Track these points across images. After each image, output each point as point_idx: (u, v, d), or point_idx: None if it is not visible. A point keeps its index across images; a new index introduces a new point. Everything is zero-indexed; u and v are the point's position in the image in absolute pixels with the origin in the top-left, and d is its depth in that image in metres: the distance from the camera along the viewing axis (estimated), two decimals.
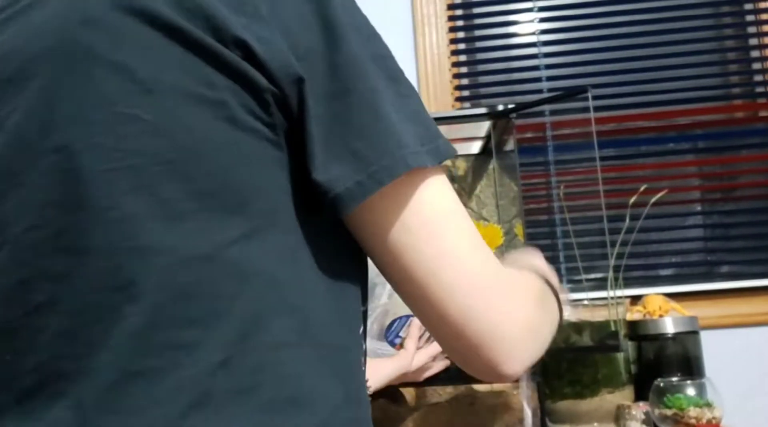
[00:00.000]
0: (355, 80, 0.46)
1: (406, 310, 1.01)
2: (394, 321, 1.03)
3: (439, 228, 0.48)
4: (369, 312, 1.00)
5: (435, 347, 1.01)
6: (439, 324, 0.49)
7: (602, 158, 1.53)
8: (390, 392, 1.10)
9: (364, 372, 0.52)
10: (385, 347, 1.02)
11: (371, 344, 1.04)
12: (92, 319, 0.43)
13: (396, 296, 0.95)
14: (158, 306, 0.42)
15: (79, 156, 0.44)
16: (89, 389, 0.42)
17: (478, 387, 1.10)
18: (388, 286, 1.03)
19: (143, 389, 0.41)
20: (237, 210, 0.44)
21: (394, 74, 0.49)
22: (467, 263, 0.48)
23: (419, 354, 0.99)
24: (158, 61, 0.44)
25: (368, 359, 0.95)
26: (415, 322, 1.01)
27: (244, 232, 0.44)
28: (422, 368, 1.01)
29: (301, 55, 0.45)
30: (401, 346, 1.02)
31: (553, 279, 0.68)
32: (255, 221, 0.45)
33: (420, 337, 1.01)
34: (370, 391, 0.92)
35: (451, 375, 1.08)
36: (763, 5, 1.59)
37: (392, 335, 1.02)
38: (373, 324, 1.04)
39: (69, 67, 0.45)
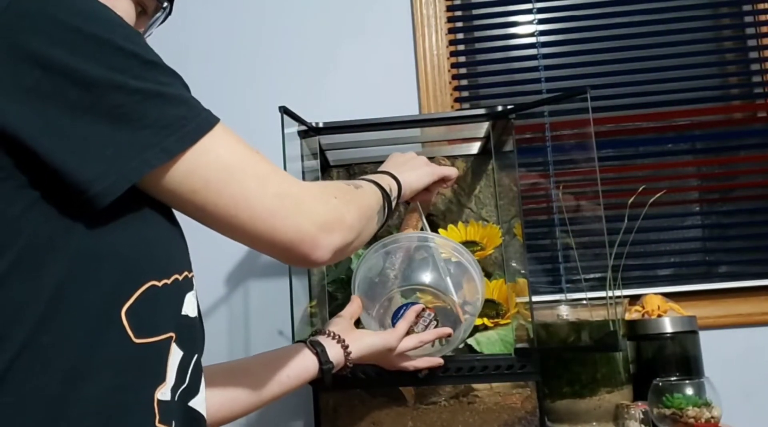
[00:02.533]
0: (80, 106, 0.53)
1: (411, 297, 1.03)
2: (400, 308, 1.03)
3: (222, 181, 0.59)
4: (377, 302, 1.02)
5: (428, 335, 1.02)
6: (257, 243, 0.64)
7: (601, 159, 1.54)
8: (390, 392, 1.11)
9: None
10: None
11: (375, 326, 1.05)
12: None
13: (384, 276, 0.96)
14: None
15: None
16: None
17: (478, 387, 1.10)
18: (392, 272, 1.04)
19: None
20: None
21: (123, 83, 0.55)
22: (257, 199, 0.61)
23: (409, 338, 1.00)
24: None
25: (353, 329, 0.98)
26: (413, 308, 1.02)
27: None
28: (405, 357, 1.01)
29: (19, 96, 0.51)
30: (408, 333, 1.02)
31: (392, 172, 0.98)
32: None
33: (417, 322, 1.02)
34: (351, 357, 0.93)
35: (451, 375, 1.08)
36: (761, 6, 1.59)
37: (398, 320, 1.02)
38: (380, 309, 1.05)
39: None
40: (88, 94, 0.53)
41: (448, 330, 1.03)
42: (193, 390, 0.63)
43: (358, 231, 0.74)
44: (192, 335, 0.63)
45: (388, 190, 0.91)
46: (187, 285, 0.63)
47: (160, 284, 0.59)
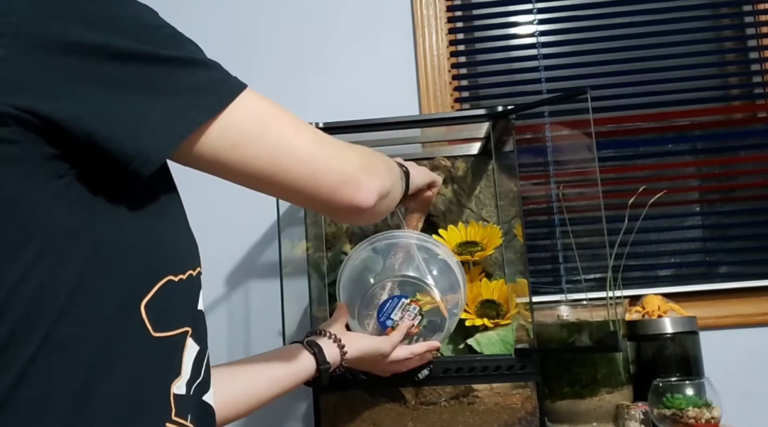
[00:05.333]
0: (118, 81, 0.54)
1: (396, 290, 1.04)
2: (386, 302, 1.04)
3: (261, 132, 0.61)
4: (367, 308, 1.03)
5: (419, 347, 1.03)
6: (301, 192, 0.64)
7: (601, 159, 1.54)
8: (390, 392, 1.11)
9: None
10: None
11: (360, 329, 1.06)
12: None
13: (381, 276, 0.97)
14: None
15: None
16: None
17: (478, 387, 1.10)
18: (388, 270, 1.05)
19: None
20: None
21: (164, 57, 0.56)
22: (297, 144, 0.63)
23: (401, 348, 1.01)
24: None
25: (348, 331, 0.99)
26: (408, 315, 1.03)
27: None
28: (397, 363, 1.02)
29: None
30: (393, 329, 1.03)
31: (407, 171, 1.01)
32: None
33: (403, 316, 1.04)
34: (347, 357, 0.94)
35: (451, 376, 1.08)
36: (761, 7, 1.59)
37: (384, 317, 1.04)
38: (365, 303, 1.05)
39: None
40: (124, 67, 0.54)
41: (437, 343, 1.05)
42: (206, 384, 0.64)
43: (391, 181, 0.75)
44: (205, 329, 0.65)
45: (402, 170, 0.93)
46: (199, 281, 0.64)
47: (176, 278, 0.60)
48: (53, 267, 0.52)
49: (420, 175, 1.08)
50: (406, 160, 1.26)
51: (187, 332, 0.60)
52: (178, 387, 0.58)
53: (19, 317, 0.51)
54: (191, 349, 0.61)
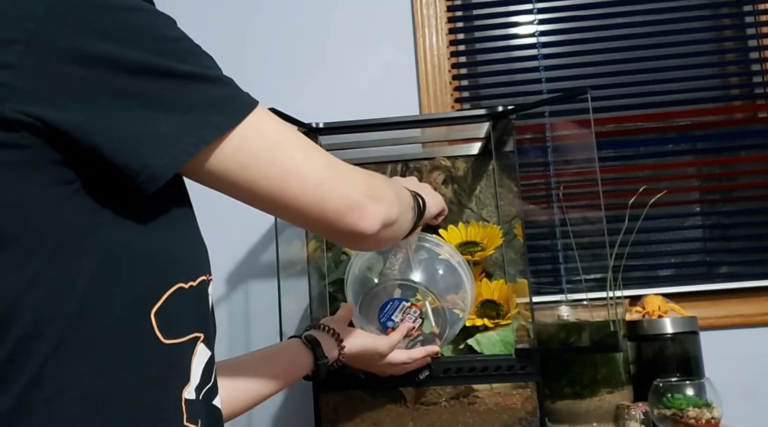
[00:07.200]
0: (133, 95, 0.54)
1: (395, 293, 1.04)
2: (386, 303, 1.04)
3: (271, 155, 0.61)
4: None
5: (417, 352, 1.03)
6: (306, 216, 0.64)
7: (601, 159, 1.54)
8: (390, 393, 1.10)
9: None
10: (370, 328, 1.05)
11: (360, 323, 1.06)
12: None
13: (384, 276, 0.98)
14: None
15: None
16: None
17: (478, 387, 1.10)
18: (390, 272, 1.05)
19: None
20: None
21: (178, 71, 0.56)
22: (306, 168, 0.63)
23: (399, 352, 1.02)
24: None
25: (347, 327, 0.99)
26: (409, 318, 1.03)
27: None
28: (394, 365, 1.02)
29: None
30: (393, 330, 1.03)
31: (414, 189, 0.95)
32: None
33: (404, 319, 1.04)
34: (344, 352, 0.95)
35: (451, 376, 1.08)
36: (762, 7, 1.59)
37: (384, 318, 1.04)
38: (368, 307, 1.06)
39: None
40: (136, 80, 0.54)
41: (435, 349, 1.05)
42: (215, 389, 0.64)
43: (398, 211, 0.75)
44: (215, 335, 0.65)
45: (416, 201, 0.92)
46: (210, 286, 0.64)
47: (186, 285, 0.60)
48: (61, 273, 0.52)
49: (436, 204, 1.07)
50: (408, 162, 1.27)
51: (198, 337, 0.60)
52: (189, 393, 0.59)
53: (28, 323, 0.51)
54: (203, 355, 0.61)
